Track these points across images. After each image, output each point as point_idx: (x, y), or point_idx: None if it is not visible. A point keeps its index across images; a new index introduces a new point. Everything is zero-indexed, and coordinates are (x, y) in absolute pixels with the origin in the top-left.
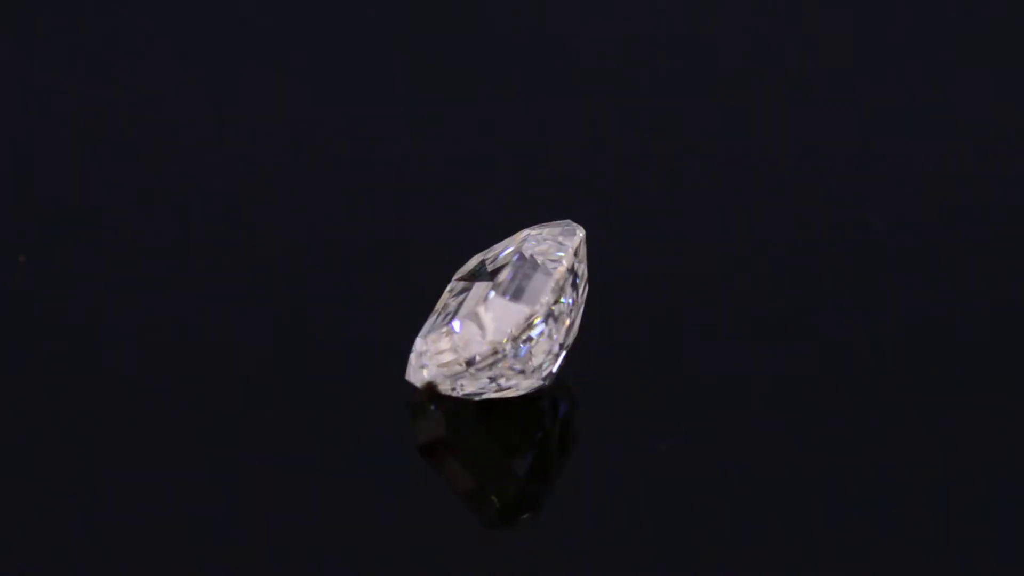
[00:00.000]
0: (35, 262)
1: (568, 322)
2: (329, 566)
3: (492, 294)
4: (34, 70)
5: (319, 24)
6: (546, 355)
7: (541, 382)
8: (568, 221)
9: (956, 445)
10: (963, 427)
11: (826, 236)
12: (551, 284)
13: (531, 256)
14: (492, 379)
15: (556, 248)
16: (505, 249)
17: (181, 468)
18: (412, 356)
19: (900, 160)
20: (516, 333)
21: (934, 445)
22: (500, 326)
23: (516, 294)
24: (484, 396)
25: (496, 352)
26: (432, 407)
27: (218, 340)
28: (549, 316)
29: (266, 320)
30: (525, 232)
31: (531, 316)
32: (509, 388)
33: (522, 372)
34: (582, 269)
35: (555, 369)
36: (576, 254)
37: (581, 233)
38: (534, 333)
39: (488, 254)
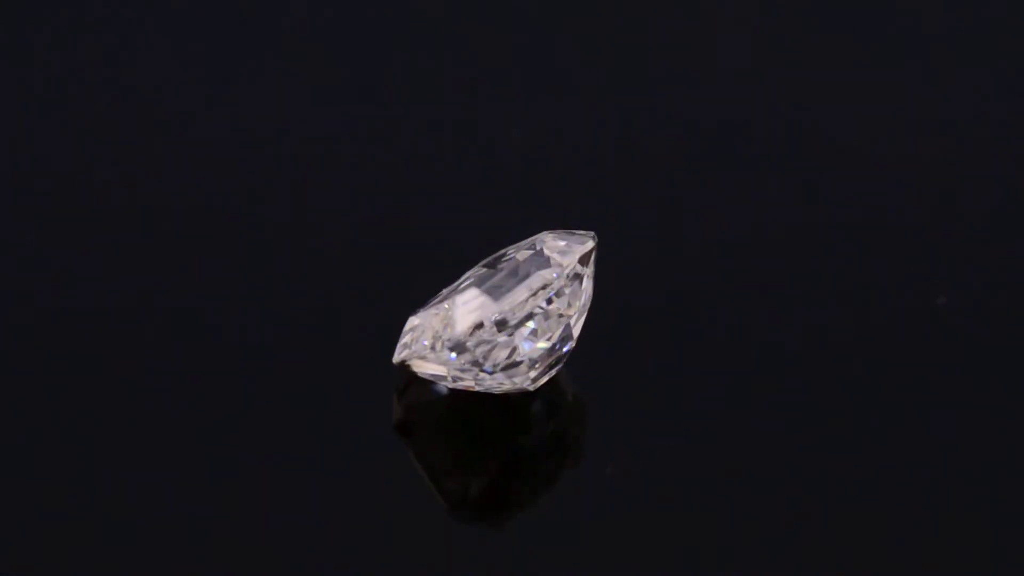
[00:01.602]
0: (29, 261)
1: (563, 327)
2: (311, 558)
3: (473, 286)
4: (32, 65)
5: (350, 16)
6: (534, 356)
7: (528, 383)
8: (591, 233)
9: (958, 446)
10: (964, 428)
11: (827, 239)
12: (536, 285)
13: (532, 256)
14: (475, 369)
15: (562, 251)
16: (521, 246)
17: (168, 461)
18: (401, 334)
19: (902, 166)
20: (482, 327)
21: (935, 447)
22: (470, 318)
23: (494, 290)
24: (466, 386)
25: (466, 342)
26: (414, 388)
27: (226, 336)
28: (536, 317)
29: (273, 309)
30: (543, 233)
31: (500, 314)
32: (492, 383)
33: (505, 368)
34: (586, 277)
35: (543, 371)
36: (583, 261)
37: (592, 243)
38: (514, 332)
39: (508, 249)
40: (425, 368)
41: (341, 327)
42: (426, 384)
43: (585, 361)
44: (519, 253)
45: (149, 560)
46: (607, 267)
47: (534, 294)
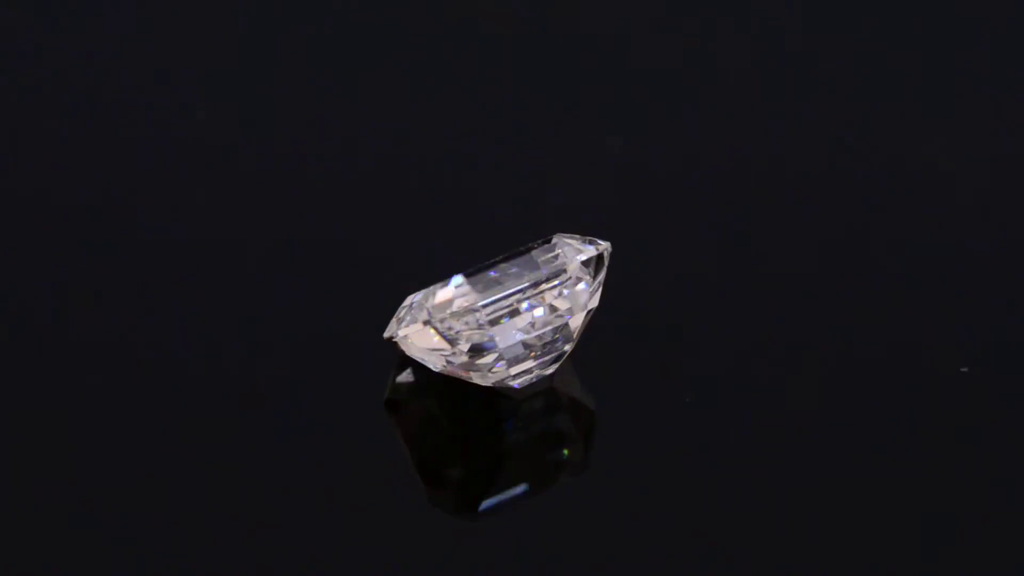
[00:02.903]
0: (22, 262)
1: (559, 327)
2: (281, 529)
3: (472, 272)
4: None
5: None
6: (525, 348)
7: (512, 379)
8: (606, 243)
9: (961, 453)
10: (965, 432)
11: (827, 244)
12: (535, 279)
13: (538, 252)
14: (461, 354)
15: (568, 252)
16: (532, 242)
17: (161, 432)
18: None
19: (900, 176)
20: (473, 312)
21: (937, 456)
22: (461, 301)
23: (492, 278)
24: (452, 371)
25: (455, 326)
26: (409, 368)
27: (231, 338)
28: (531, 311)
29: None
30: (557, 234)
31: (493, 301)
32: (479, 372)
33: (493, 358)
34: (591, 282)
35: (533, 368)
36: (587, 264)
37: (600, 250)
38: (505, 322)
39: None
40: (413, 349)
41: (351, 310)
42: (421, 366)
43: (587, 366)
44: (527, 248)
45: (131, 523)
46: (619, 276)
47: (533, 286)
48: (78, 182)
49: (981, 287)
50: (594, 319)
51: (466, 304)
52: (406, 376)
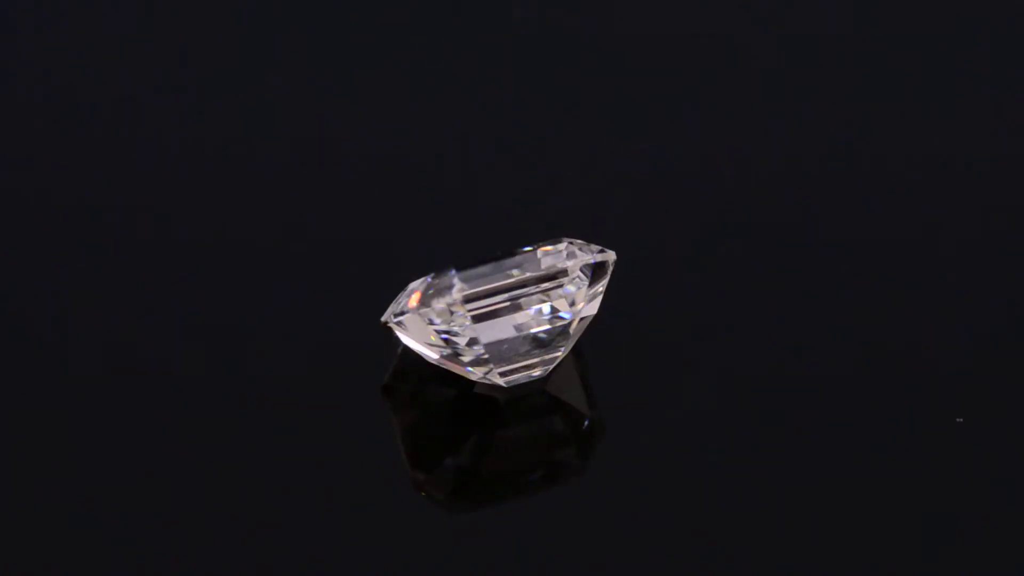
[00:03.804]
0: (22, 262)
1: (554, 329)
2: (266, 512)
3: (470, 267)
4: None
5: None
6: (515, 348)
7: (499, 377)
8: (612, 252)
9: (962, 450)
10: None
11: (826, 242)
12: (534, 279)
13: (541, 253)
14: (450, 347)
15: (571, 256)
16: (537, 244)
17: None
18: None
19: (900, 181)
20: (463, 306)
21: (935, 450)
22: (452, 295)
23: (489, 275)
24: (443, 363)
25: (445, 319)
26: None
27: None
28: (524, 311)
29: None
30: (563, 239)
31: (487, 297)
32: (469, 367)
33: (482, 354)
34: (589, 287)
35: (524, 368)
36: (587, 270)
37: (603, 259)
38: (497, 320)
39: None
40: (408, 340)
41: (353, 306)
42: (420, 357)
43: (587, 367)
44: (530, 249)
45: (124, 493)
46: (625, 284)
47: (531, 285)
48: (78, 182)
49: (981, 287)
50: (593, 324)
51: (457, 298)
52: (405, 365)
